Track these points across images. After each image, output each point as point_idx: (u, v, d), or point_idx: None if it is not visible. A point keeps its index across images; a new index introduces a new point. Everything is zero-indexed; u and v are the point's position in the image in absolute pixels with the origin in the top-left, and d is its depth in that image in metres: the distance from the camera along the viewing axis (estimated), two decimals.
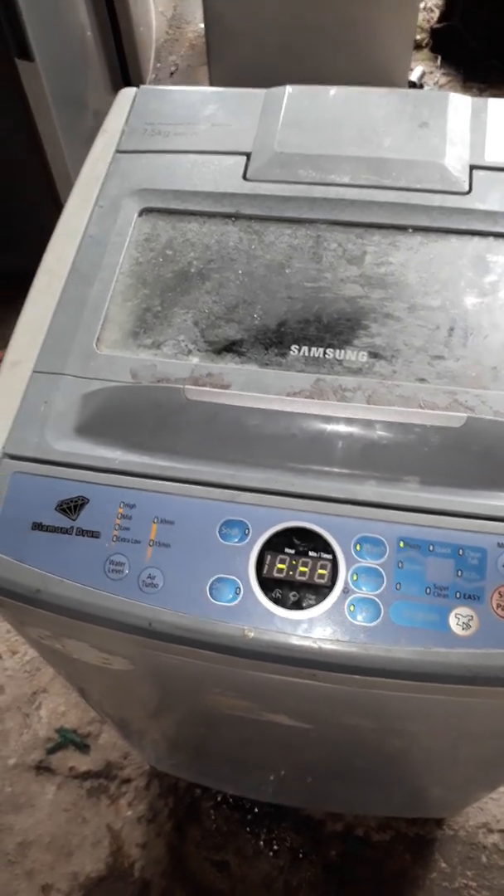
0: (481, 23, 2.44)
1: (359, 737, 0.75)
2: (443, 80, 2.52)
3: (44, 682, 1.48)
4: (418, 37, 2.51)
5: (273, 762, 1.02)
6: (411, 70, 2.39)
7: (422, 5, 2.55)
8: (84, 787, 1.38)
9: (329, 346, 0.63)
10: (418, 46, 2.55)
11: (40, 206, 1.82)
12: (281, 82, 0.82)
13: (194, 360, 0.64)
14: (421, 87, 2.45)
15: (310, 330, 0.65)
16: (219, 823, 1.33)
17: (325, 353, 0.63)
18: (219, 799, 1.35)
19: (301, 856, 1.30)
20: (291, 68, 2.10)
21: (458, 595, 0.52)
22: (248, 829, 1.32)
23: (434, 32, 2.57)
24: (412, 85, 2.41)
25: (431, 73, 2.53)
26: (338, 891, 1.27)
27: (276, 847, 1.30)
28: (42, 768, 1.40)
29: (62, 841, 1.33)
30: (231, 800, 1.34)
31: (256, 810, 1.33)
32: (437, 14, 2.62)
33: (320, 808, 1.32)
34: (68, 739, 1.42)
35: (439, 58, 2.56)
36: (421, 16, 2.55)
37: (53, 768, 1.40)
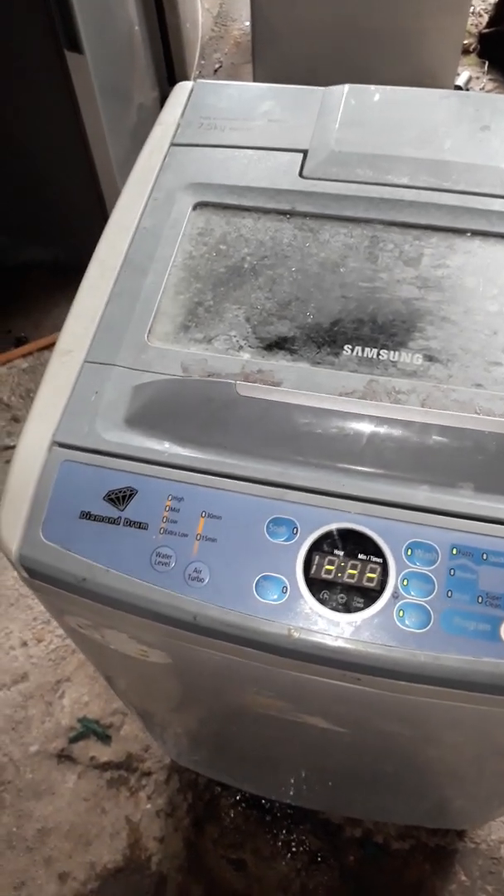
0: None
1: (392, 743, 0.75)
2: (489, 85, 2.50)
3: (68, 672, 1.49)
4: (466, 41, 2.49)
5: (298, 764, 1.01)
6: (458, 74, 2.36)
7: (471, 10, 2.53)
8: (104, 778, 1.38)
9: (383, 347, 0.63)
10: (465, 51, 2.52)
11: (83, 198, 1.83)
12: (325, 83, 0.81)
13: (245, 355, 0.64)
14: (467, 91, 2.42)
15: (363, 330, 0.64)
16: (237, 822, 1.33)
17: (378, 354, 0.62)
18: (238, 797, 1.34)
19: (319, 859, 1.29)
20: (336, 69, 2.09)
21: None
22: (266, 829, 1.32)
23: (482, 37, 2.55)
24: (458, 89, 2.38)
25: (478, 77, 2.51)
26: None
27: (294, 849, 1.30)
28: (63, 757, 1.41)
29: (81, 830, 1.34)
30: (250, 799, 1.34)
31: (275, 811, 1.33)
32: (485, 19, 2.59)
33: (341, 812, 1.32)
34: (90, 729, 1.43)
35: (486, 63, 2.54)
36: (469, 20, 2.53)
37: (75, 757, 1.41)
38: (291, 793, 1.22)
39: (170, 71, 2.30)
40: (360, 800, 1.20)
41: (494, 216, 0.68)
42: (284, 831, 1.31)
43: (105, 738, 1.43)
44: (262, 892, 1.27)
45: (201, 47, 2.64)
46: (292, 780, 1.13)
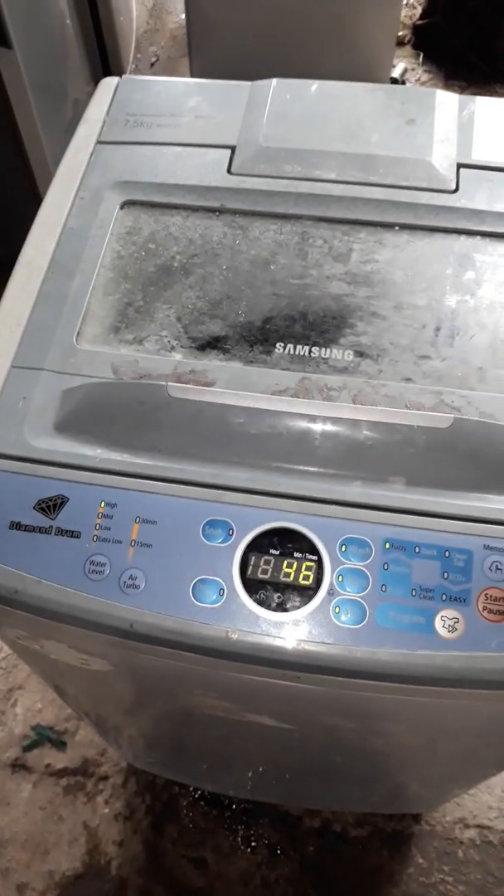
0: (463, 20, 2.44)
1: (341, 736, 0.75)
2: (424, 77, 2.52)
3: (20, 679, 1.46)
4: (401, 33, 2.51)
5: (253, 760, 1.01)
6: (393, 66, 2.38)
7: (404, 2, 2.55)
8: (60, 785, 1.37)
9: (314, 344, 0.63)
10: (401, 43, 2.54)
11: (18, 195, 1.79)
12: (262, 75, 0.81)
13: (177, 356, 0.63)
14: (403, 83, 2.44)
15: (295, 327, 0.64)
16: (196, 820, 1.33)
17: (310, 351, 0.62)
18: (196, 796, 1.34)
19: (279, 852, 1.29)
20: (273, 61, 2.08)
21: (444, 597, 0.52)
22: (225, 825, 1.32)
23: (416, 29, 2.57)
24: (394, 81, 2.40)
25: (413, 69, 2.53)
26: (315, 886, 1.27)
27: (253, 843, 1.30)
28: (18, 766, 1.38)
29: (38, 839, 1.32)
30: (208, 796, 1.34)
31: (234, 807, 1.33)
32: (419, 11, 2.61)
33: (298, 804, 1.32)
34: (44, 737, 1.41)
35: (421, 55, 2.56)
36: (404, 12, 2.54)
37: (29, 766, 1.38)
38: (249, 788, 1.22)
39: (105, 65, 2.27)
40: (316, 791, 1.21)
41: (421, 209, 0.69)
42: (244, 826, 1.32)
43: (60, 745, 1.41)
44: (223, 889, 1.27)
45: (137, 41, 2.61)
46: (249, 776, 1.13)
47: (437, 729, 0.70)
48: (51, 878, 1.29)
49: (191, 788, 1.34)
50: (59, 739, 1.40)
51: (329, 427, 0.58)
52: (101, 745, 1.39)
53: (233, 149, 0.74)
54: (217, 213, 0.71)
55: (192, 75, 2.23)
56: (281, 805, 1.33)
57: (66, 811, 1.34)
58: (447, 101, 0.76)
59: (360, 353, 0.62)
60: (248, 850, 1.30)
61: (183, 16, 2.29)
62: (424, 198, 0.69)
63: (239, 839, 1.31)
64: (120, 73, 2.32)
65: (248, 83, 0.80)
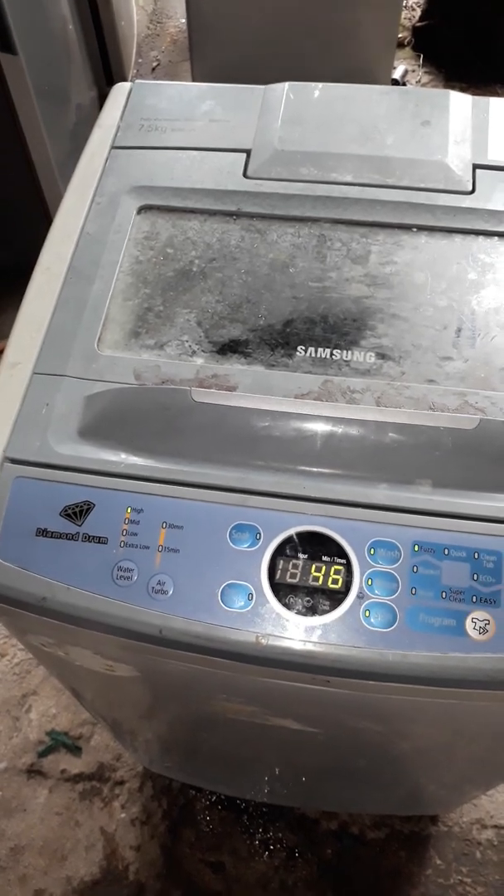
0: (463, 21, 2.45)
1: (364, 739, 0.75)
2: (425, 78, 2.53)
3: (34, 685, 1.46)
4: (400, 35, 2.51)
5: (272, 763, 1.01)
6: (394, 68, 2.38)
7: (404, 3, 2.55)
8: (76, 790, 1.36)
9: (336, 346, 0.63)
10: (400, 45, 2.55)
11: (24, 201, 1.79)
12: (264, 79, 0.81)
13: (199, 360, 0.63)
14: (404, 85, 2.45)
15: (316, 330, 0.64)
16: (213, 824, 1.32)
17: (332, 354, 0.62)
18: (213, 799, 1.34)
19: (297, 855, 1.29)
20: (274, 65, 2.08)
21: (474, 599, 0.52)
22: (242, 829, 1.32)
23: (416, 31, 2.57)
24: (395, 83, 2.41)
25: (414, 71, 2.53)
26: (334, 889, 1.27)
27: (271, 847, 1.30)
28: (33, 772, 1.38)
29: (55, 845, 1.32)
30: (225, 800, 1.34)
31: (251, 810, 1.33)
32: (418, 12, 2.62)
33: (316, 807, 1.32)
34: (59, 742, 1.41)
35: (421, 56, 2.56)
36: (403, 14, 2.54)
37: (45, 772, 1.38)
38: (266, 791, 1.22)
39: (107, 70, 2.27)
40: (334, 793, 1.21)
41: (439, 210, 0.69)
42: (261, 830, 1.32)
43: (75, 750, 1.40)
44: (241, 892, 1.27)
45: (138, 45, 2.61)
46: (266, 779, 1.12)
47: (463, 731, 0.70)
48: (69, 883, 1.28)
49: (207, 792, 1.34)
50: (75, 745, 1.40)
51: (353, 430, 0.58)
52: (117, 750, 1.39)
53: (248, 152, 0.74)
54: (234, 217, 0.71)
55: (194, 79, 2.24)
56: (298, 808, 1.33)
57: (83, 816, 1.34)
58: (461, 103, 0.76)
59: (381, 355, 0.62)
60: (266, 853, 1.30)
61: (183, 20, 2.29)
62: (441, 199, 0.69)
63: (256, 842, 1.31)
64: (122, 77, 2.33)
65: (262, 87, 0.80)
